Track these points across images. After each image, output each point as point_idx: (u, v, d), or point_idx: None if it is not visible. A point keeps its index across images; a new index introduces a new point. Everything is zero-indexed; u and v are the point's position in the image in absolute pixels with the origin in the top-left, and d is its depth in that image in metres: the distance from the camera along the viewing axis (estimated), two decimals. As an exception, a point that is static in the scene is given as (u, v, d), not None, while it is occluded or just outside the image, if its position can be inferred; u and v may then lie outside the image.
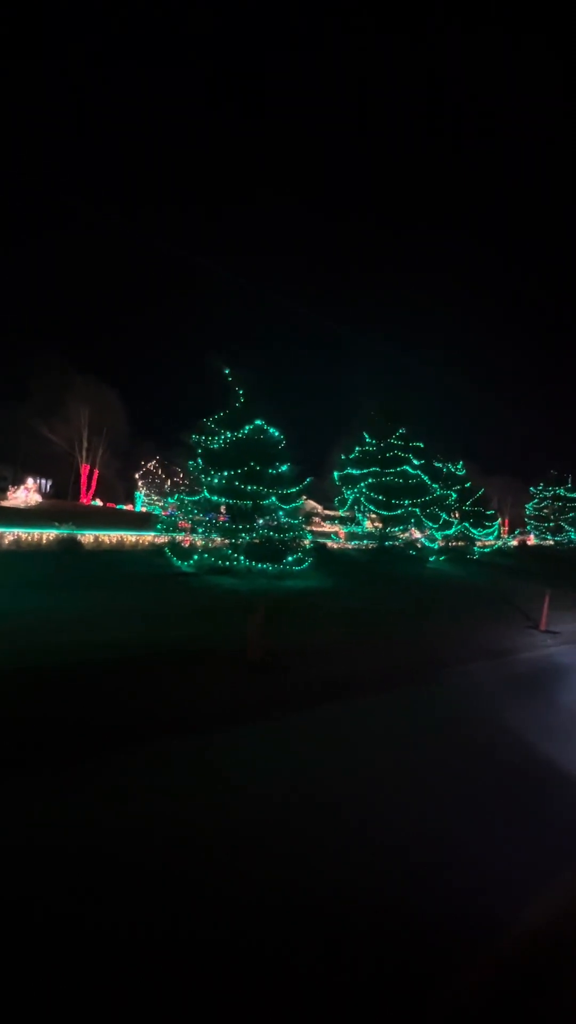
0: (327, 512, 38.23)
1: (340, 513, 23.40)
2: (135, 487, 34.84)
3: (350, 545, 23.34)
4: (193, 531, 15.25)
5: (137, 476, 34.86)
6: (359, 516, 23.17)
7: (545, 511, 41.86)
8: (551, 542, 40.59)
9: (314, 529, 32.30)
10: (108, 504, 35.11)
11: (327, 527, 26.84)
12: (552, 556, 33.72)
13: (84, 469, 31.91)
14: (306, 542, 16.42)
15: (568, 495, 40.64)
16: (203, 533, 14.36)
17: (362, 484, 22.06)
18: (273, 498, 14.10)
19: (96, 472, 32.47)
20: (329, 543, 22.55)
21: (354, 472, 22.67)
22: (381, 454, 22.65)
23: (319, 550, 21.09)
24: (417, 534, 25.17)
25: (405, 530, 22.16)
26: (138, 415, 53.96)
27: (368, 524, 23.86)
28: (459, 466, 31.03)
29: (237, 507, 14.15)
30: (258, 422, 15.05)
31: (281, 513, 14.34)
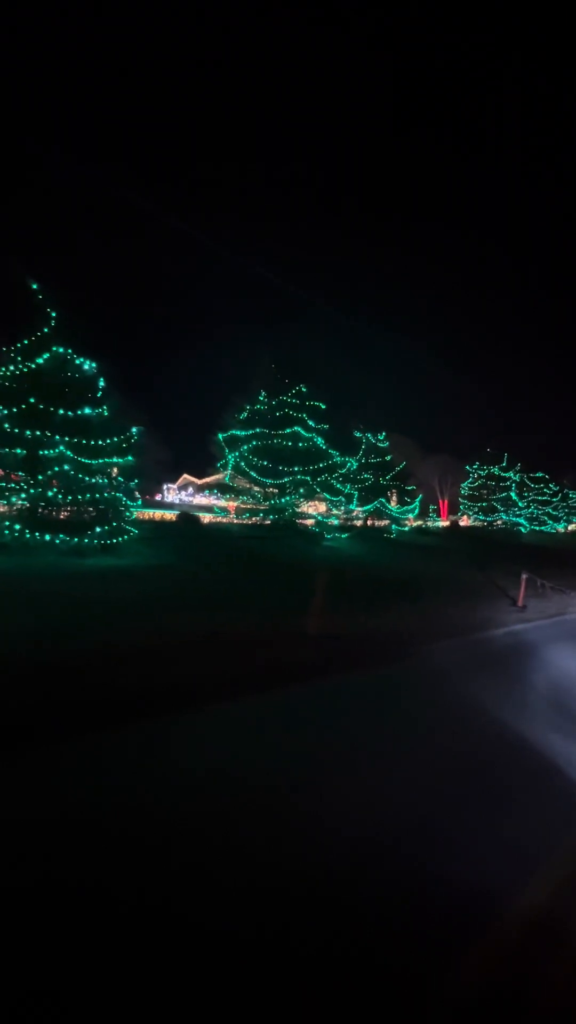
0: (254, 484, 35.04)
1: (226, 481, 20.04)
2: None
3: (235, 520, 20.15)
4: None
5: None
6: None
7: (482, 491, 39.94)
8: (483, 522, 38.94)
9: (200, 501, 28.85)
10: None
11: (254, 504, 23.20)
12: (478, 536, 31.81)
13: None
14: (137, 512, 13.06)
15: (502, 474, 38.88)
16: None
17: (245, 447, 18.74)
18: (62, 447, 10.55)
19: None
20: (208, 517, 19.35)
21: (239, 433, 19.30)
22: (271, 413, 19.38)
23: (188, 524, 17.84)
24: (322, 508, 22.31)
25: (292, 501, 19.06)
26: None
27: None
28: (381, 437, 28.30)
29: (5, 458, 10.53)
30: (58, 349, 11.40)
31: (67, 466, 10.78)
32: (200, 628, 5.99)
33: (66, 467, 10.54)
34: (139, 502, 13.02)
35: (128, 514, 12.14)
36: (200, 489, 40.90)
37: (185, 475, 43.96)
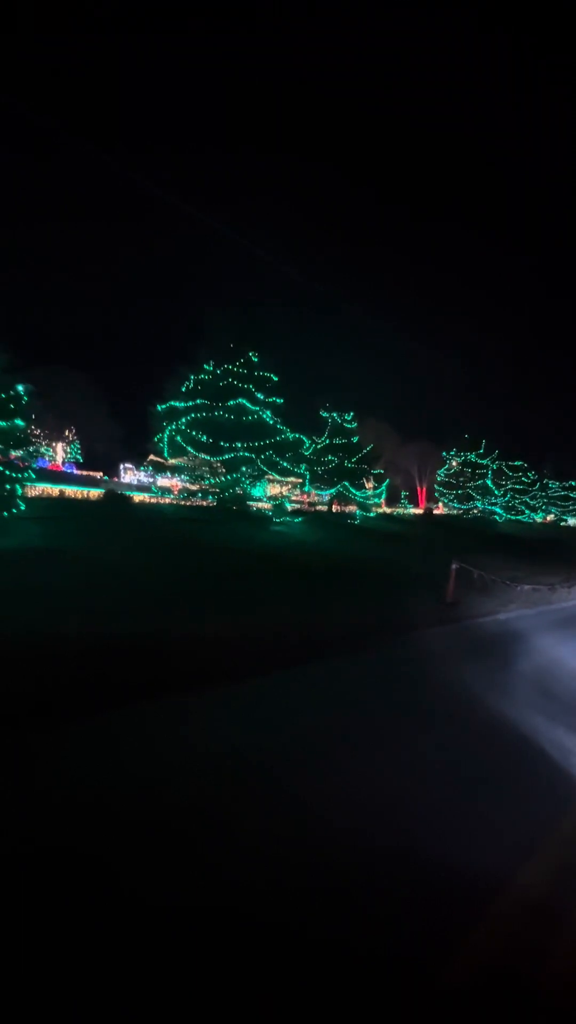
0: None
1: (165, 457, 18.15)
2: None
3: (173, 500, 18.34)
4: None
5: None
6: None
7: (458, 478, 38.41)
8: (458, 511, 37.59)
9: (163, 483, 26.98)
10: None
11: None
12: (450, 524, 30.41)
13: None
14: (67, 489, 11.19)
15: (479, 461, 37.44)
16: None
17: (183, 420, 16.85)
18: None
19: None
20: (144, 497, 17.57)
21: (179, 405, 17.39)
22: (216, 384, 17.48)
23: (114, 503, 15.99)
24: (282, 490, 20.57)
25: (234, 481, 17.26)
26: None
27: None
28: (348, 417, 26.51)
29: None
30: None
31: None
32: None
33: None
34: (31, 474, 11.13)
35: (9, 487, 10.26)
36: (160, 469, 38.85)
37: (152, 456, 41.75)
